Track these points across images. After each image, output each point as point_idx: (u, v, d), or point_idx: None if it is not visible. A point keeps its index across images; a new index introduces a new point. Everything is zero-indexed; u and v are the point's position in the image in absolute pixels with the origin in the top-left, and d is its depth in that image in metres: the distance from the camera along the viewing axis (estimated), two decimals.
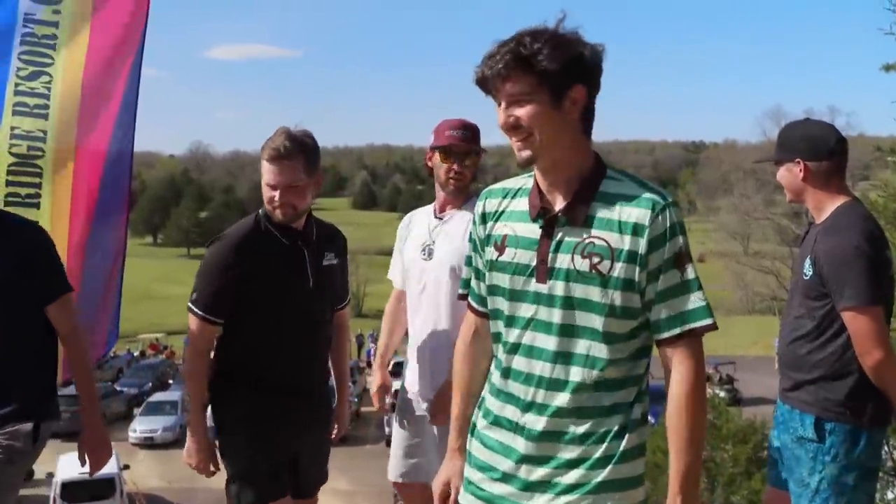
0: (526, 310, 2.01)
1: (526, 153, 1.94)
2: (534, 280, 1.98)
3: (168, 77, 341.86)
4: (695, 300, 1.94)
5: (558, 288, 1.95)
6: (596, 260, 1.92)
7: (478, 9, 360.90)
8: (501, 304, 2.06)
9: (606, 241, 1.92)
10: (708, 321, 1.94)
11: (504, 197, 2.12)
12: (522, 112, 1.90)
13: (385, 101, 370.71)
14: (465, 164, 3.28)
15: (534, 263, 1.98)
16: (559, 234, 1.96)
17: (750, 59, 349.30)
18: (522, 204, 2.05)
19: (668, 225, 1.91)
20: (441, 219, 3.36)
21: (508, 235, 2.05)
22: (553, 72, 1.86)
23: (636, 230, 1.90)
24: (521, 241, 2.02)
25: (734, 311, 56.26)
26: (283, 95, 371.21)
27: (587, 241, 1.93)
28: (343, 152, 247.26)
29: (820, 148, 2.94)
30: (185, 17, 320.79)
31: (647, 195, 1.94)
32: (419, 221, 3.45)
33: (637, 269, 1.91)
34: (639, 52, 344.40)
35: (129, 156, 3.64)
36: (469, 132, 3.29)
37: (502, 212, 2.10)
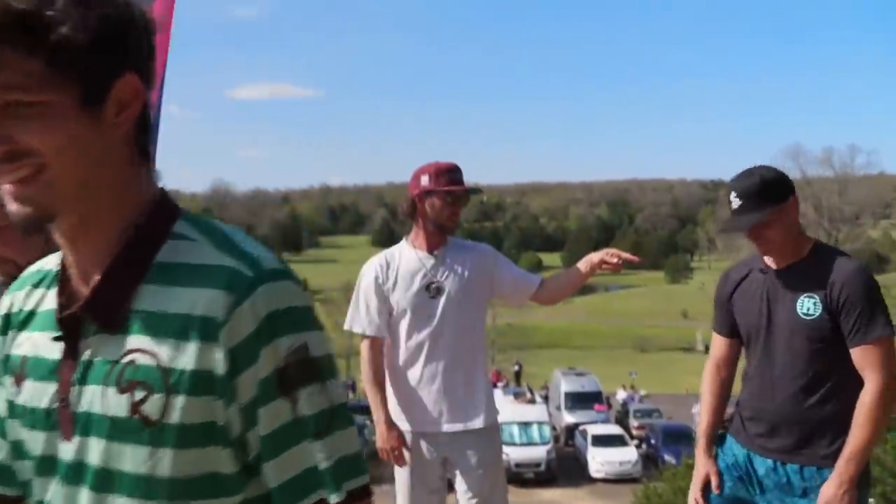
0: (54, 492, 1.10)
1: (25, 208, 1.02)
2: (58, 436, 1.09)
3: (193, 116, 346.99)
4: (319, 455, 1.05)
5: (90, 451, 1.05)
6: (139, 396, 1.02)
7: (499, 47, 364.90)
8: (32, 477, 1.14)
9: (156, 358, 1.02)
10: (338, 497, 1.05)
11: (36, 286, 1.19)
12: (26, 128, 0.99)
13: (405, 139, 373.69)
14: (464, 205, 3.43)
15: (55, 405, 1.09)
16: (87, 351, 1.07)
17: (768, 97, 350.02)
18: (53, 298, 1.14)
19: (263, 315, 1.02)
20: (436, 256, 3.41)
21: (28, 357, 1.14)
22: (83, 48, 0.99)
23: (207, 331, 1.01)
24: (39, 365, 1.12)
25: None
26: (305, 134, 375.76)
27: (126, 360, 1.04)
28: (363, 190, 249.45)
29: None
30: (210, 58, 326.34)
31: (228, 264, 1.05)
32: (406, 262, 3.42)
33: (219, 403, 1.02)
34: (657, 90, 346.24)
35: None
36: (462, 175, 3.42)
37: (30, 313, 1.18)
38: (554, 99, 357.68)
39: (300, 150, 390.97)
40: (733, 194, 2.77)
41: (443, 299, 3.34)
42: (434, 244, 3.42)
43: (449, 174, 3.37)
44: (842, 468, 2.59)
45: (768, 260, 2.86)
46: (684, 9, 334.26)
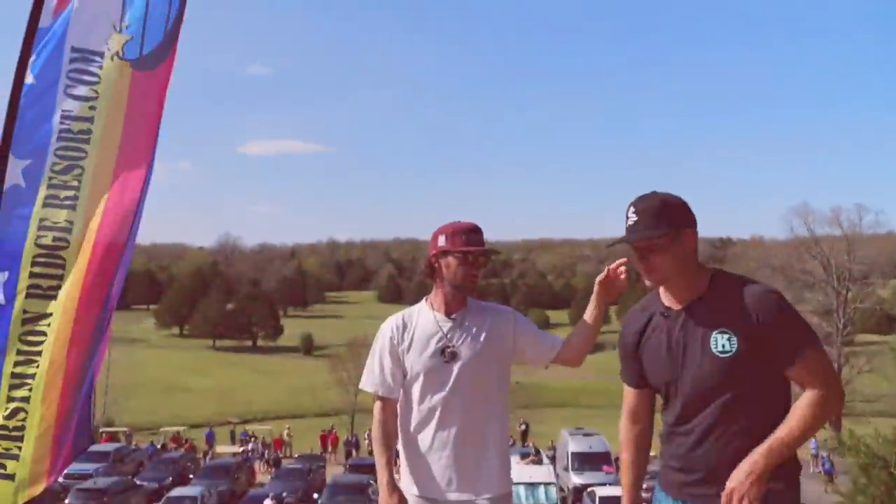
0: None
1: None
2: None
3: (202, 172, 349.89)
4: None
5: None
6: None
7: (505, 108, 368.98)
8: None
9: None
10: None
11: None
12: None
13: (412, 196, 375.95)
14: (482, 267, 3.35)
15: None
16: None
17: (776, 156, 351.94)
18: None
19: None
20: (454, 319, 3.35)
21: None
22: None
23: None
24: None
25: None
26: (312, 189, 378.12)
27: None
28: (369, 246, 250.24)
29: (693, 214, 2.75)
30: (221, 115, 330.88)
31: None
32: (423, 324, 3.37)
33: None
34: (663, 149, 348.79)
35: (132, 247, 3.61)
36: (482, 236, 3.37)
37: None
38: (561, 156, 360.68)
39: (308, 206, 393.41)
40: (631, 210, 2.67)
41: (458, 365, 3.27)
42: (453, 307, 3.37)
43: (466, 234, 3.31)
44: (754, 458, 2.49)
45: (667, 299, 2.75)
46: (689, 69, 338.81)
